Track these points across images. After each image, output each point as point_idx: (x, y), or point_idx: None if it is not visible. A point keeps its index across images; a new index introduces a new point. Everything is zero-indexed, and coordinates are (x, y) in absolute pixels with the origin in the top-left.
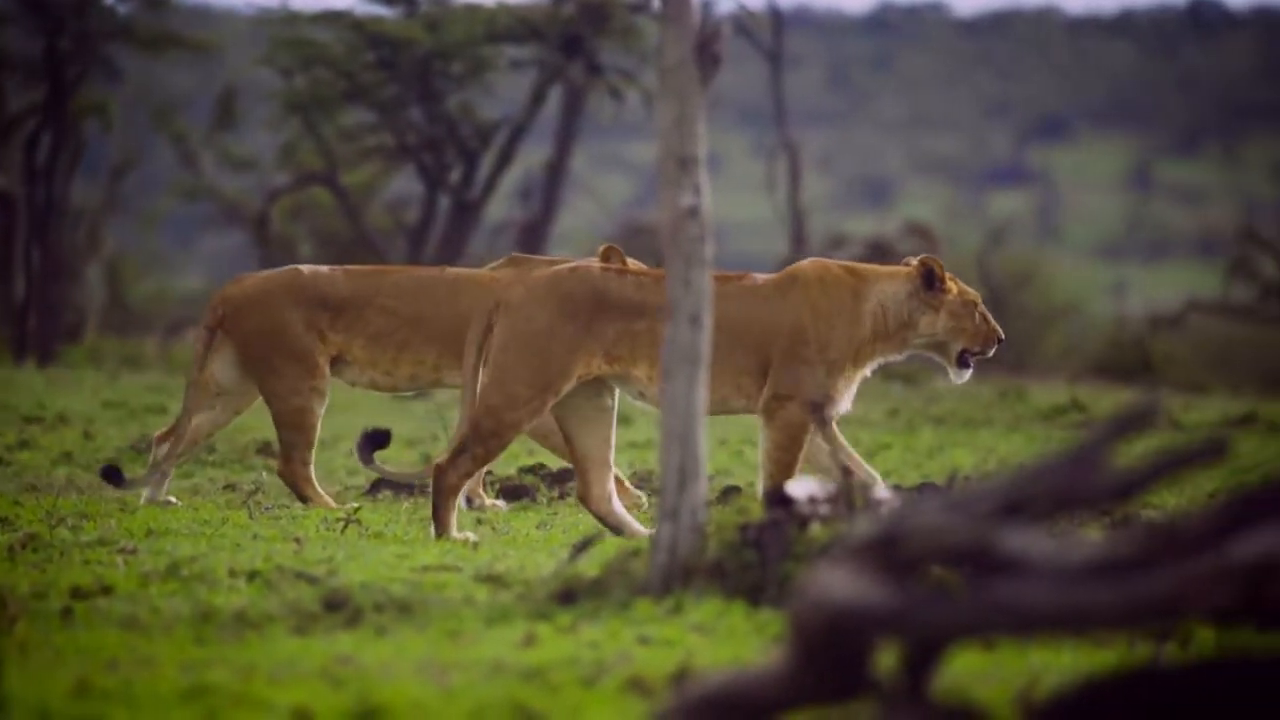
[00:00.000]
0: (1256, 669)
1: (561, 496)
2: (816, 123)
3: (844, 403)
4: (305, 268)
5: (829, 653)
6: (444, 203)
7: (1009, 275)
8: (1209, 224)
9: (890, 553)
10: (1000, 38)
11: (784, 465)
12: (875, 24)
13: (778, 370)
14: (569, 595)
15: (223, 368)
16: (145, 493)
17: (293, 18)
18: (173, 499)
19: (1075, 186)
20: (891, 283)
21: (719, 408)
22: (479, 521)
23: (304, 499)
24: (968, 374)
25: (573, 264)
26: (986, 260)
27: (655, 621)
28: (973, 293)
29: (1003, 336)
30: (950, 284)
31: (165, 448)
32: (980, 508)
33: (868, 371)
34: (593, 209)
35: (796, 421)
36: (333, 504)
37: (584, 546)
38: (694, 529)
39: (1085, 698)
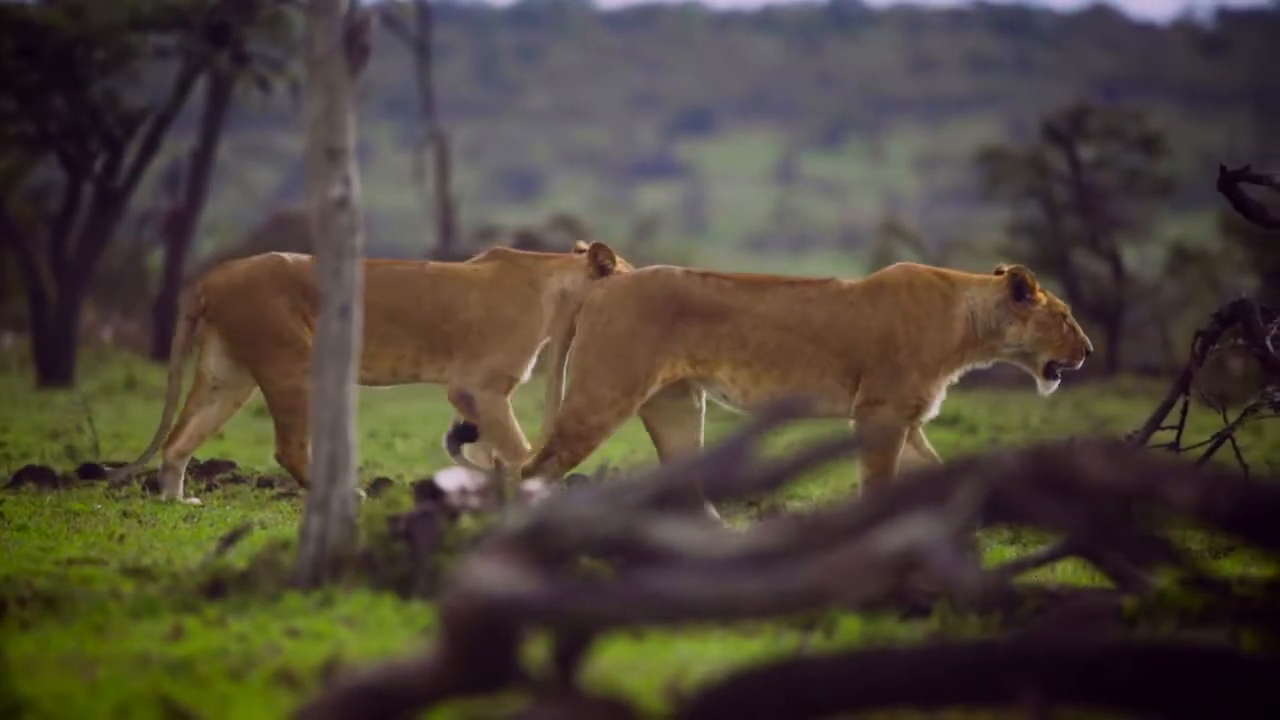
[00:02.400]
0: (899, 658)
1: (209, 489)
2: (465, 114)
3: (933, 409)
4: (289, 256)
5: (479, 644)
6: (88, 191)
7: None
8: (852, 216)
9: (540, 544)
10: (645, 31)
11: (880, 468)
12: (521, 16)
13: (870, 375)
14: (217, 588)
15: (215, 360)
16: (164, 494)
17: None
18: (195, 499)
19: (721, 179)
20: (981, 290)
21: None
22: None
23: (303, 482)
24: (1055, 385)
25: (654, 267)
26: (635, 252)
27: (304, 614)
28: (1061, 304)
29: (1091, 349)
30: (1040, 295)
31: (174, 448)
32: (630, 499)
33: (955, 378)
34: (240, 199)
35: (890, 425)
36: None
37: (232, 539)
38: (344, 520)
39: (732, 687)
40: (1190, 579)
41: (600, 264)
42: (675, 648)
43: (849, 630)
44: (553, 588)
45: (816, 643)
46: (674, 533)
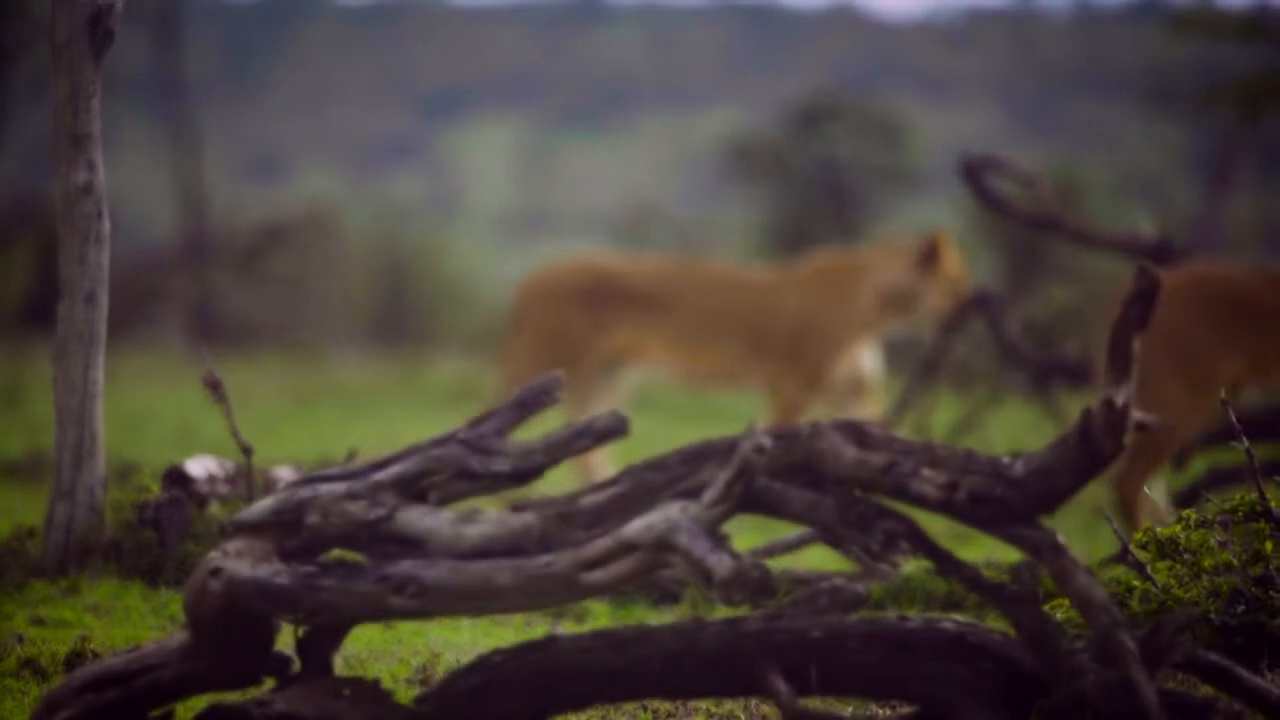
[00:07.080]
0: (651, 643)
1: None
2: (212, 99)
3: None
4: (600, 257)
5: (227, 633)
6: None
7: (409, 252)
8: (601, 203)
9: (289, 531)
10: (392, 22)
11: None
12: (268, 10)
13: None
14: None
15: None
16: None
17: None
18: None
19: (471, 165)
20: None
21: None
22: None
23: None
24: None
25: (1202, 264)
26: (387, 237)
27: (50, 602)
28: None
29: None
30: None
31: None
32: (379, 485)
33: None
34: None
35: None
36: None
37: None
38: (91, 508)
39: (482, 674)
40: (936, 564)
41: (933, 254)
42: (426, 635)
43: (600, 617)
44: (301, 575)
45: (567, 628)
46: (424, 520)
